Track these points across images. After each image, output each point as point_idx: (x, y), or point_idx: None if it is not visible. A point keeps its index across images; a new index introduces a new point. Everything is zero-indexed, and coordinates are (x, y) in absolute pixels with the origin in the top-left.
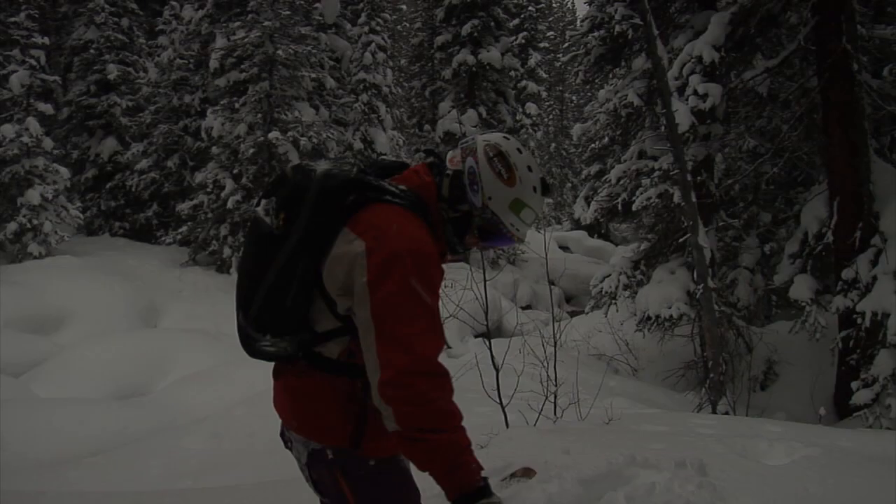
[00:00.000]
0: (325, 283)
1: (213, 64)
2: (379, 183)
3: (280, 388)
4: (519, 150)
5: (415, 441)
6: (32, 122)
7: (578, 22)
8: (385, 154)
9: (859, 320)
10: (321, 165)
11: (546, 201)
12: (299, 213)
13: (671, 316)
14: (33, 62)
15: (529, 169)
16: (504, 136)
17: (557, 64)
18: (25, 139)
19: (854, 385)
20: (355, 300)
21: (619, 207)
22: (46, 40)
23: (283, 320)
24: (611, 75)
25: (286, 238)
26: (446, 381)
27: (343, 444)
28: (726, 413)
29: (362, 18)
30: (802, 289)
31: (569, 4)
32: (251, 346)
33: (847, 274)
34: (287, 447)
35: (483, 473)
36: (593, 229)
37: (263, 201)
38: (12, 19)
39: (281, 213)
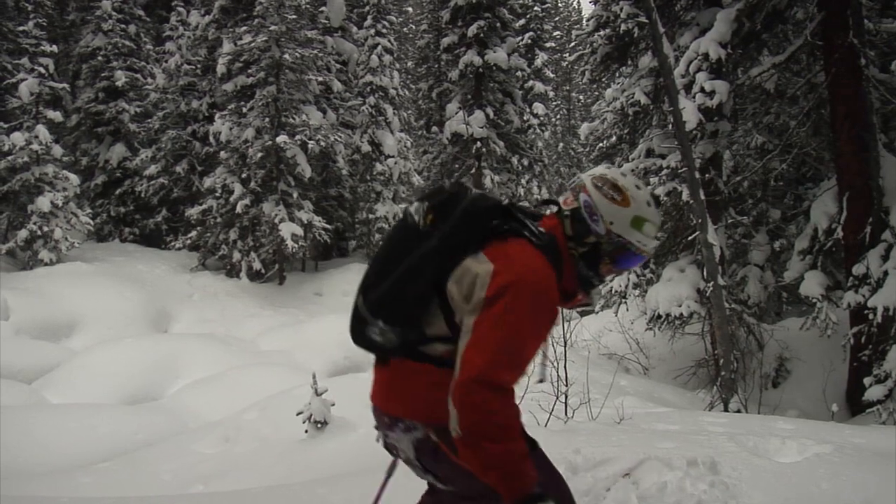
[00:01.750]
0: (449, 291)
1: (221, 69)
2: (523, 221)
3: (383, 378)
4: (623, 174)
5: (473, 448)
6: (42, 130)
7: (584, 21)
8: (392, 155)
9: (871, 316)
10: (475, 191)
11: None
12: (446, 218)
13: (681, 314)
14: (42, 70)
15: (638, 187)
16: (606, 167)
17: (564, 63)
18: (35, 147)
19: (866, 381)
20: (468, 310)
21: None
22: (55, 48)
23: (399, 310)
24: (617, 74)
25: (428, 237)
26: (511, 401)
27: (440, 421)
28: (738, 411)
29: (368, 21)
30: (813, 285)
31: (574, 4)
32: (360, 332)
33: (858, 269)
34: (393, 454)
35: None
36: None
37: (416, 203)
38: (21, 28)
39: (430, 214)
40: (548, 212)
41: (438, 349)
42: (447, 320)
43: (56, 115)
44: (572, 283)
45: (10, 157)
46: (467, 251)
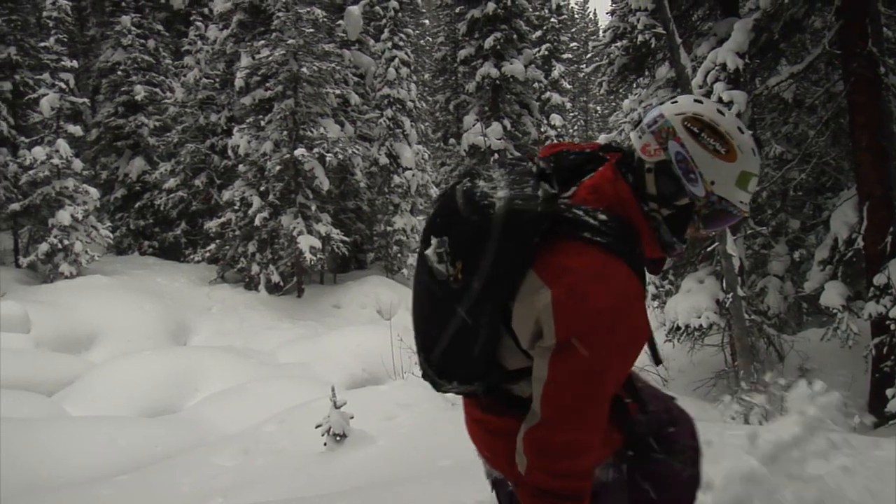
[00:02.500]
0: (514, 326)
1: (239, 83)
2: (575, 214)
3: (469, 418)
4: (720, 111)
5: (534, 498)
6: (62, 144)
7: (601, 32)
8: (410, 168)
9: (892, 326)
10: (499, 192)
11: None
12: (479, 261)
13: (701, 325)
14: (62, 85)
15: (741, 130)
16: (695, 100)
17: (581, 75)
18: (56, 161)
19: (889, 392)
20: (538, 351)
21: None
22: (75, 63)
23: (470, 369)
24: (635, 85)
25: (466, 289)
26: (584, 465)
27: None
28: (759, 423)
29: (385, 34)
30: (833, 295)
31: (591, 15)
32: (436, 387)
33: (879, 279)
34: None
35: None
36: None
37: (434, 241)
38: (42, 44)
39: (458, 261)
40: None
41: (525, 389)
42: (524, 351)
43: (76, 130)
44: (655, 250)
45: (31, 172)
46: (519, 283)
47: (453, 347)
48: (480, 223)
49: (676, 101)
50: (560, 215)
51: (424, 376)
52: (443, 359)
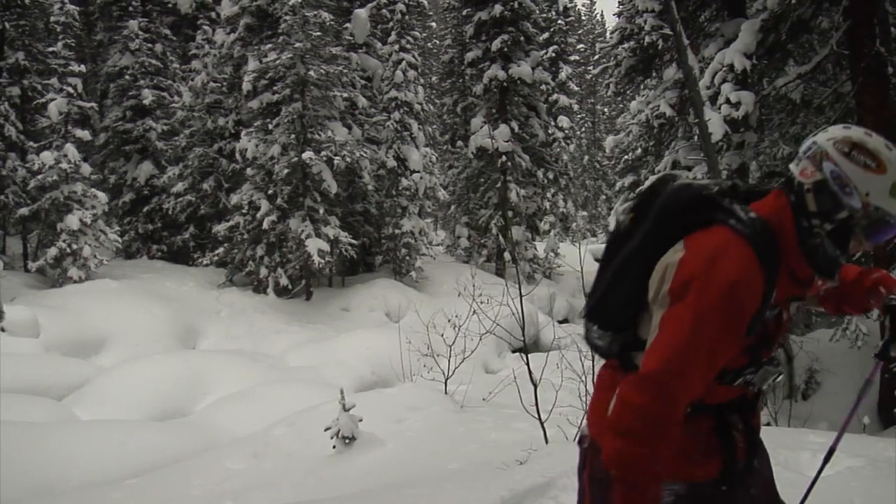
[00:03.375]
0: (650, 283)
1: (246, 86)
2: (730, 206)
3: (596, 383)
4: (868, 133)
5: (612, 438)
6: (70, 149)
7: (608, 34)
8: (417, 170)
9: None
10: (689, 179)
11: (581, 213)
12: (645, 216)
13: None
14: (70, 90)
15: (889, 148)
16: (845, 127)
17: (588, 76)
18: (64, 165)
19: None
20: (657, 304)
21: None
22: (83, 68)
23: (610, 313)
24: (642, 86)
25: (630, 237)
26: (670, 412)
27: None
28: (767, 424)
29: (392, 37)
30: None
31: (598, 17)
32: (588, 338)
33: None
34: (584, 464)
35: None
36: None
37: (623, 205)
38: (50, 49)
39: (631, 213)
40: (770, 186)
41: None
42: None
43: (84, 134)
44: (803, 268)
45: (39, 176)
46: (668, 248)
47: (606, 290)
48: (657, 189)
49: (827, 130)
50: (719, 203)
51: (584, 328)
52: (597, 301)
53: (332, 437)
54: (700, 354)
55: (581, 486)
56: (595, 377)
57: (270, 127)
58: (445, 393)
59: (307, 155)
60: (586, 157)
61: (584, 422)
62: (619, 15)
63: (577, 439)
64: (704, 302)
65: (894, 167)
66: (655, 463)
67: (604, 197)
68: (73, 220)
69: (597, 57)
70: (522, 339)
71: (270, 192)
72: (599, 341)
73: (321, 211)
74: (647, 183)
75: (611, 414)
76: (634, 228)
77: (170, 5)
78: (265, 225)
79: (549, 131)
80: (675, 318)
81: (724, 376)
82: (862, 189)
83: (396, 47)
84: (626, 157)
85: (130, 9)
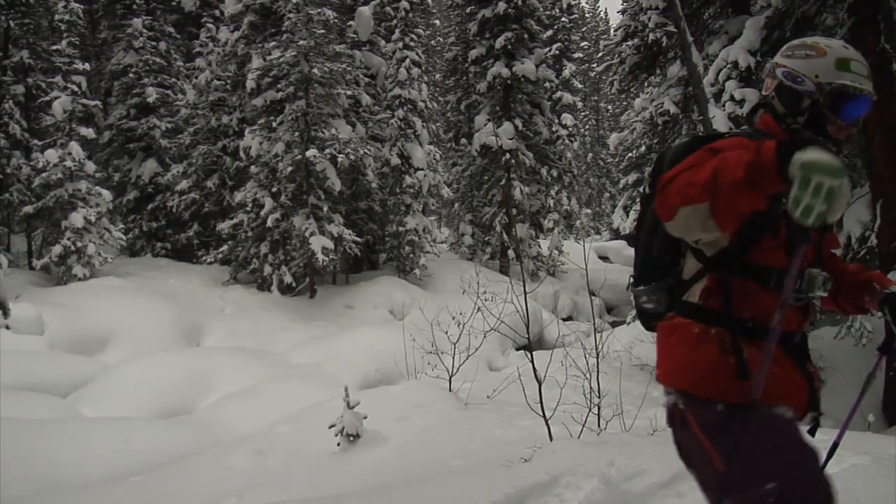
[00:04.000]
0: None
1: (250, 84)
2: (718, 132)
3: (657, 334)
4: (807, 37)
5: (683, 207)
6: (75, 147)
7: (612, 31)
8: (421, 168)
9: None
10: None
11: (585, 211)
12: (659, 173)
13: None
14: (75, 88)
15: (826, 39)
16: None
17: (592, 74)
18: (68, 163)
19: None
20: None
21: None
22: (87, 66)
23: (651, 268)
24: (646, 83)
25: (652, 197)
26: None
27: (687, 387)
28: None
29: (396, 35)
30: None
31: (602, 14)
32: (639, 309)
33: (892, 278)
34: (672, 421)
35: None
36: (632, 239)
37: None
38: (55, 47)
39: (650, 178)
40: (758, 117)
41: (696, 293)
42: (698, 257)
43: (89, 132)
44: None
45: (44, 174)
46: None
47: (644, 251)
48: (664, 152)
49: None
50: (707, 136)
51: (635, 304)
52: (639, 265)
53: (336, 435)
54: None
55: (695, 446)
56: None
57: (274, 125)
58: (450, 390)
59: (311, 153)
60: (590, 155)
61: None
62: (622, 12)
63: (668, 418)
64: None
65: (832, 49)
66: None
67: (608, 194)
68: (77, 218)
69: (600, 54)
70: (527, 336)
71: (274, 189)
72: (650, 303)
73: (325, 209)
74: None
75: (663, 203)
76: (652, 188)
77: (174, 3)
78: (269, 223)
79: (553, 129)
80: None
81: (771, 277)
82: (811, 73)
83: (400, 45)
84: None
85: (134, 7)
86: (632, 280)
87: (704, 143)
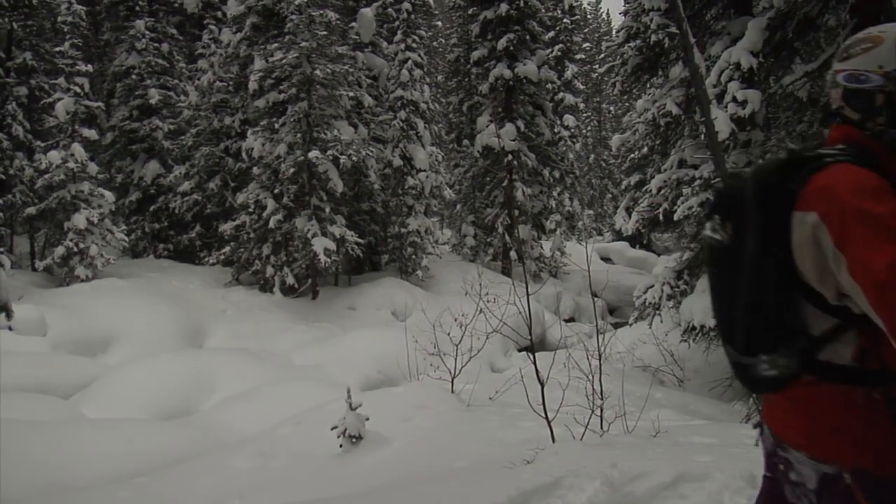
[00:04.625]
0: (802, 274)
1: (252, 85)
2: (817, 153)
3: (781, 401)
4: (854, 35)
5: None
6: (77, 148)
7: (614, 32)
8: (423, 169)
9: None
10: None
11: (587, 212)
12: (744, 216)
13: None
14: (77, 89)
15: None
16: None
17: (594, 75)
18: (71, 165)
19: None
20: (835, 272)
21: (661, 217)
22: (90, 67)
23: (770, 333)
24: (648, 85)
25: (741, 247)
26: None
27: (865, 464)
28: None
29: (398, 36)
30: None
31: (604, 15)
32: (749, 377)
33: None
34: (773, 469)
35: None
36: (635, 240)
37: (708, 223)
38: (58, 49)
39: (727, 224)
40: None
41: (844, 354)
42: (825, 308)
43: (91, 134)
44: None
45: (46, 176)
46: (788, 229)
47: (749, 315)
48: (737, 185)
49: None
50: (802, 157)
51: (736, 370)
52: (744, 333)
53: (338, 436)
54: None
55: None
56: (765, 404)
57: (276, 126)
58: (452, 392)
59: (313, 154)
60: (592, 156)
61: (808, 459)
62: (624, 13)
63: (817, 484)
64: (868, 208)
65: (889, 32)
66: None
67: (610, 195)
68: (80, 220)
69: (602, 55)
70: (529, 337)
71: (277, 191)
72: (772, 370)
73: (327, 210)
74: (717, 196)
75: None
76: (738, 237)
77: (176, 5)
78: (271, 224)
79: (555, 130)
80: (860, 238)
81: None
82: (874, 66)
83: (402, 46)
84: (632, 155)
85: (137, 8)
86: (733, 346)
87: (800, 173)
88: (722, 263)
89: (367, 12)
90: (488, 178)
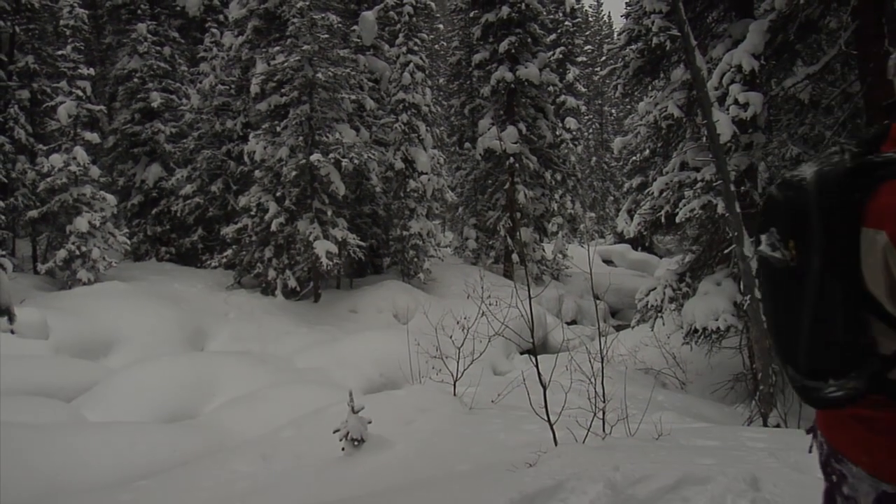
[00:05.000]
0: (871, 290)
1: (254, 89)
2: (883, 157)
3: (841, 414)
4: None
5: None
6: (80, 151)
7: (616, 35)
8: (425, 172)
9: None
10: (807, 169)
11: (589, 215)
12: (808, 233)
13: (718, 328)
14: (80, 93)
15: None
16: None
17: (596, 78)
18: (73, 168)
19: None
20: None
21: (663, 220)
22: (92, 71)
23: (840, 358)
24: (650, 87)
25: (807, 268)
26: None
27: None
28: (777, 426)
29: (400, 39)
30: None
31: (605, 18)
32: (814, 398)
33: None
34: (828, 478)
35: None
36: (637, 242)
37: (763, 237)
38: (60, 52)
39: (789, 241)
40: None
41: None
42: (893, 324)
43: (93, 137)
44: None
45: (49, 179)
46: (857, 245)
47: (816, 339)
48: (797, 197)
49: None
50: (870, 163)
51: (798, 390)
52: (809, 356)
53: (340, 439)
54: None
55: None
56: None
57: (278, 129)
58: (454, 395)
59: (315, 157)
60: (594, 159)
61: (869, 477)
62: (626, 16)
63: (874, 501)
64: None
65: None
66: None
67: (612, 198)
68: (82, 223)
69: (604, 58)
70: (531, 340)
71: (278, 194)
72: (840, 391)
73: (329, 213)
74: (771, 205)
75: None
76: (803, 257)
77: (178, 8)
78: (273, 227)
79: (557, 133)
80: None
81: None
82: None
83: (404, 49)
84: (634, 158)
85: (139, 12)
86: (796, 370)
87: (868, 181)
88: (780, 281)
89: (369, 15)
90: (490, 181)
